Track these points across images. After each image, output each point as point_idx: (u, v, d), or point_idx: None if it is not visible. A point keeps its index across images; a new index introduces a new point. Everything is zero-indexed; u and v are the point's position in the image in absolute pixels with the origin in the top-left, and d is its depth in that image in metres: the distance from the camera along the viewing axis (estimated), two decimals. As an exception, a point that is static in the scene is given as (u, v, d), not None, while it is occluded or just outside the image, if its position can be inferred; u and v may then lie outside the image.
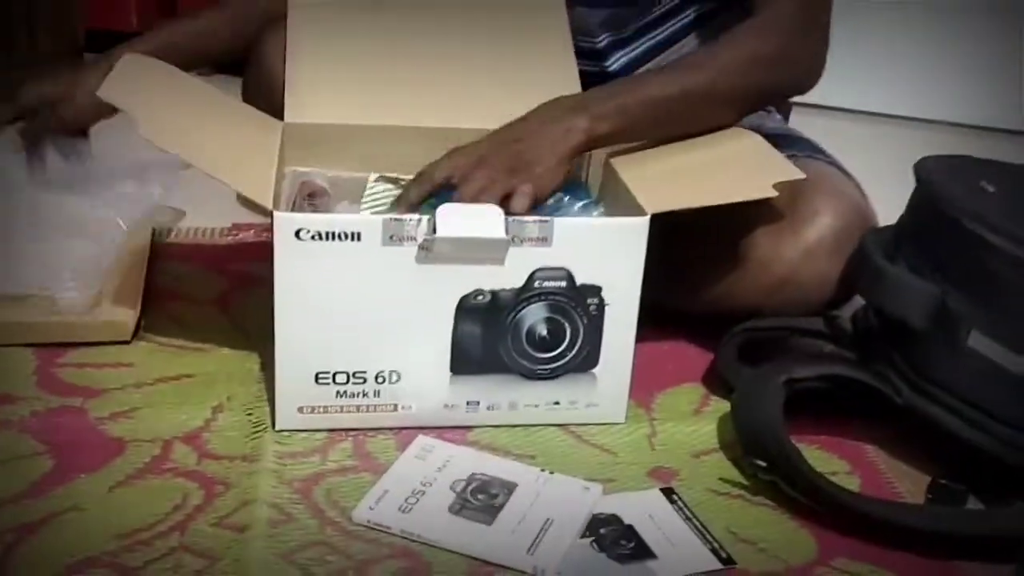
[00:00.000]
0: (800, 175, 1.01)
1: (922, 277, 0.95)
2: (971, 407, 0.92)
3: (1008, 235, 0.88)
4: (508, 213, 0.94)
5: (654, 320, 1.02)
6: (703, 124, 1.08)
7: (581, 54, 1.18)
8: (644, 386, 1.07)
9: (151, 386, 1.04)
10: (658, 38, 1.22)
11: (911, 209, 1.02)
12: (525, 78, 1.13)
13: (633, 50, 1.23)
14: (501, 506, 0.90)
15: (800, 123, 1.34)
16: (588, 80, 1.14)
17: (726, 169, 1.04)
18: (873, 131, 2.11)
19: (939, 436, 0.95)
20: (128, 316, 1.11)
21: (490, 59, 1.16)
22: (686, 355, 1.17)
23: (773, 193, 0.98)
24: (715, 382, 1.12)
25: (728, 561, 0.86)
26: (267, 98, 1.16)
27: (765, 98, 1.16)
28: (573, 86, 1.13)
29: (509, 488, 0.92)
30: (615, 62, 1.23)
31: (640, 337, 1.00)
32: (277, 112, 1.11)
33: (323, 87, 1.12)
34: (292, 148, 1.09)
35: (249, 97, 1.27)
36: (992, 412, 0.91)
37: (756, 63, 1.05)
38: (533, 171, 0.98)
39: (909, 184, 1.03)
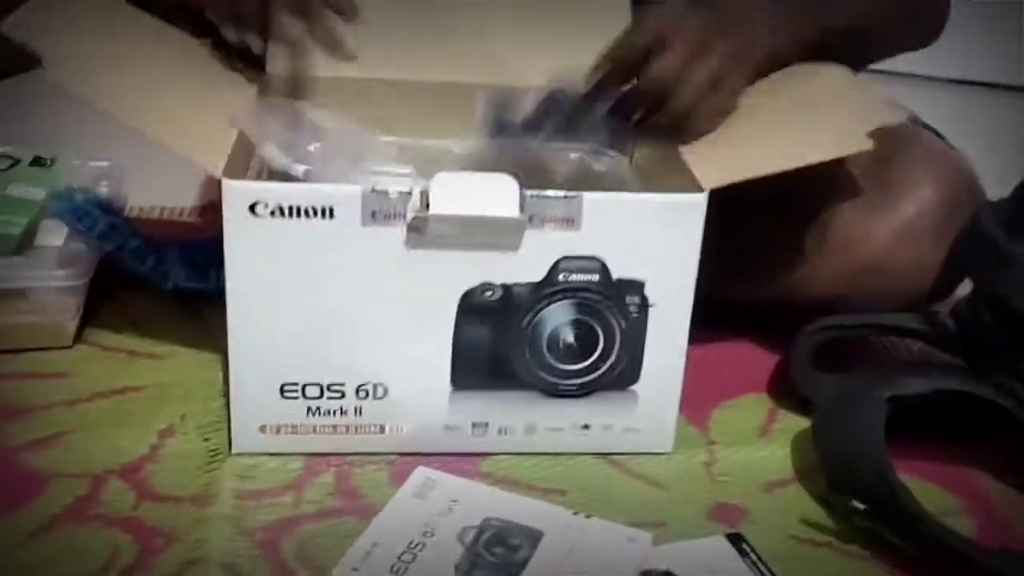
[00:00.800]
0: (905, 113, 0.81)
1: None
2: None
3: None
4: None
5: (704, 315, 0.80)
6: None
7: None
8: (696, 398, 0.86)
9: (87, 403, 0.84)
10: None
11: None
12: (561, 23, 0.92)
13: None
14: (524, 562, 0.69)
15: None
16: None
17: (806, 115, 0.81)
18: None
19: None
20: (69, 316, 0.91)
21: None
22: (746, 358, 0.96)
23: (868, 145, 0.75)
24: (784, 392, 0.90)
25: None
26: None
27: (903, 39, 0.97)
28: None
29: (534, 538, 0.71)
30: None
31: (691, 334, 0.79)
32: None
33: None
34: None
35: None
36: None
37: None
38: (746, 68, 0.82)
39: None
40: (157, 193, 1.02)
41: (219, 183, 0.70)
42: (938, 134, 0.95)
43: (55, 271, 0.91)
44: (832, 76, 0.86)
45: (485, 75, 0.88)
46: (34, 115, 1.47)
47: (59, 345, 0.90)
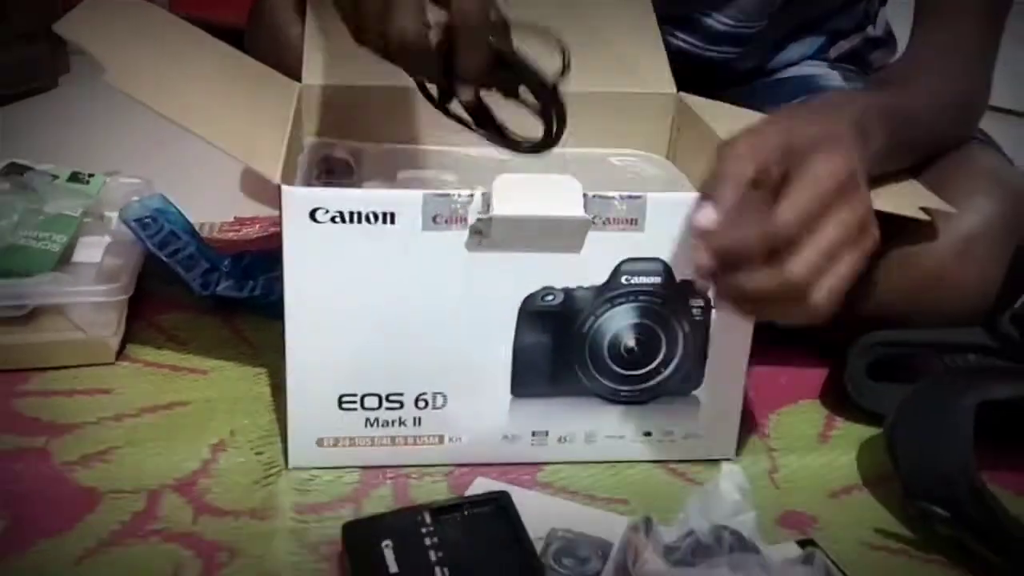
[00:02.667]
0: (949, 208, 0.80)
1: None
2: None
3: None
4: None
5: (760, 326, 0.78)
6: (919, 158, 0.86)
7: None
8: (752, 405, 0.85)
9: (134, 418, 0.82)
10: None
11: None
12: (589, 28, 0.91)
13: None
14: (596, 574, 0.67)
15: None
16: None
17: None
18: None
19: None
20: (111, 332, 0.89)
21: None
22: (801, 368, 0.94)
23: (923, 216, 0.77)
24: (840, 400, 0.89)
25: (908, 650, 0.64)
26: (276, 55, 0.94)
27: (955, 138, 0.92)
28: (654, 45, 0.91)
29: (603, 549, 0.69)
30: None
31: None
32: (289, 72, 0.89)
33: (349, 42, 0.89)
34: (310, 115, 0.87)
35: (255, 53, 1.07)
36: None
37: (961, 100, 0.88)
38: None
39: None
40: (185, 208, 1.02)
41: (279, 188, 0.69)
42: (997, 148, 0.94)
43: (96, 287, 0.89)
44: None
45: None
46: (55, 134, 1.46)
47: (101, 361, 0.88)
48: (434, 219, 0.70)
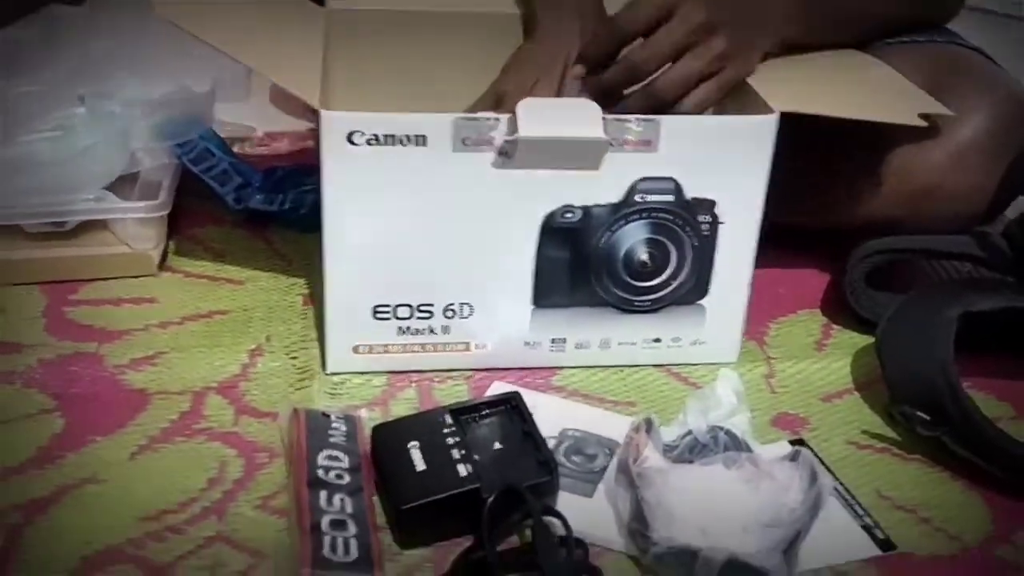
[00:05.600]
0: (945, 111, 0.84)
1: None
2: None
3: None
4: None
5: (764, 237, 0.84)
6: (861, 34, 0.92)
7: None
8: (754, 315, 0.89)
9: (178, 325, 0.89)
10: None
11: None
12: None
13: None
14: (602, 470, 0.74)
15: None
16: None
17: (863, 88, 0.85)
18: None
19: None
20: (152, 245, 0.95)
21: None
22: (800, 277, 0.99)
23: (920, 122, 0.80)
24: (838, 310, 0.94)
25: (888, 545, 0.70)
26: None
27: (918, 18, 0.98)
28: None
29: (610, 447, 0.76)
30: None
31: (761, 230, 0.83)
32: None
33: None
34: (338, 39, 0.91)
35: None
36: None
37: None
38: (741, 61, 0.82)
39: None
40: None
41: (317, 113, 0.73)
42: (993, 61, 0.97)
43: (137, 203, 0.94)
44: (886, 71, 0.89)
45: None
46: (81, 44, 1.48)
47: (145, 273, 0.94)
48: (464, 141, 0.75)
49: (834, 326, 0.94)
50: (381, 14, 0.94)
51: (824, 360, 0.89)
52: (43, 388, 0.80)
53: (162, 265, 0.96)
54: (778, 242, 0.96)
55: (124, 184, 0.97)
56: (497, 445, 0.72)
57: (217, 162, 1.04)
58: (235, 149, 1.11)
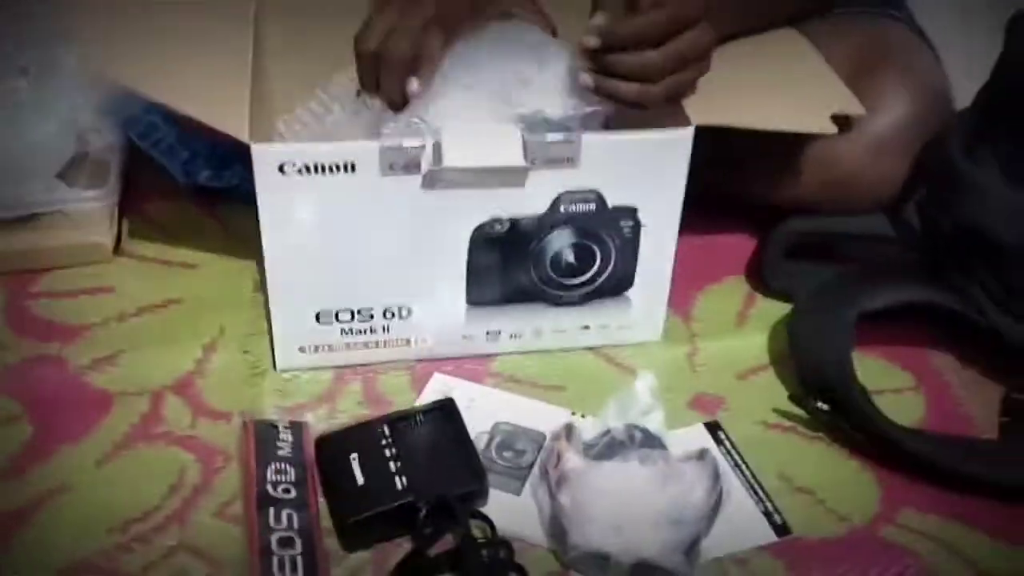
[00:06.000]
0: (860, 111, 0.87)
1: (1014, 181, 0.82)
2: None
3: None
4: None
5: (697, 204, 0.88)
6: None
7: None
8: (682, 285, 0.95)
9: (135, 318, 0.94)
10: None
11: (1001, 90, 0.86)
12: None
13: None
14: (530, 465, 0.81)
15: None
16: None
17: (780, 89, 0.88)
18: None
19: None
20: (105, 230, 0.99)
21: None
22: (729, 243, 1.04)
23: (832, 129, 0.84)
24: (760, 277, 1.00)
25: (784, 530, 0.78)
26: None
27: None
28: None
29: (538, 442, 0.83)
30: None
31: (680, 225, 0.88)
32: None
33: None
34: (270, 24, 0.92)
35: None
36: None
37: None
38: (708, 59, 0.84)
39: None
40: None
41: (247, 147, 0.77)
42: (921, 34, 1.00)
43: (88, 192, 0.98)
44: (807, 61, 0.92)
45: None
46: None
47: (100, 260, 0.98)
48: (391, 166, 0.79)
49: (756, 295, 1.00)
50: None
51: (745, 334, 0.95)
52: (10, 394, 0.86)
53: (116, 249, 1.00)
54: (710, 206, 1.02)
55: (72, 167, 1.01)
56: (432, 454, 0.79)
57: (163, 136, 1.06)
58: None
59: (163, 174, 1.06)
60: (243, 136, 0.77)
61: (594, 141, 0.81)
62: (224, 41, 0.87)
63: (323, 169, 0.78)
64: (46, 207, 0.97)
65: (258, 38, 0.89)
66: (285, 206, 0.80)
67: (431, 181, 0.80)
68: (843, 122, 0.86)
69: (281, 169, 0.78)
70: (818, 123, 0.85)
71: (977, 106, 0.89)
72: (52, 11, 1.07)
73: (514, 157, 0.79)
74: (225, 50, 0.86)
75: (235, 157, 1.06)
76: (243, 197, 1.03)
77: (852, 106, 0.87)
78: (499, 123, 0.79)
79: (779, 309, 0.97)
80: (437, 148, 0.78)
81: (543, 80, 0.81)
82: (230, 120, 0.78)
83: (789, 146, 0.94)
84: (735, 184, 1.00)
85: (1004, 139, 0.84)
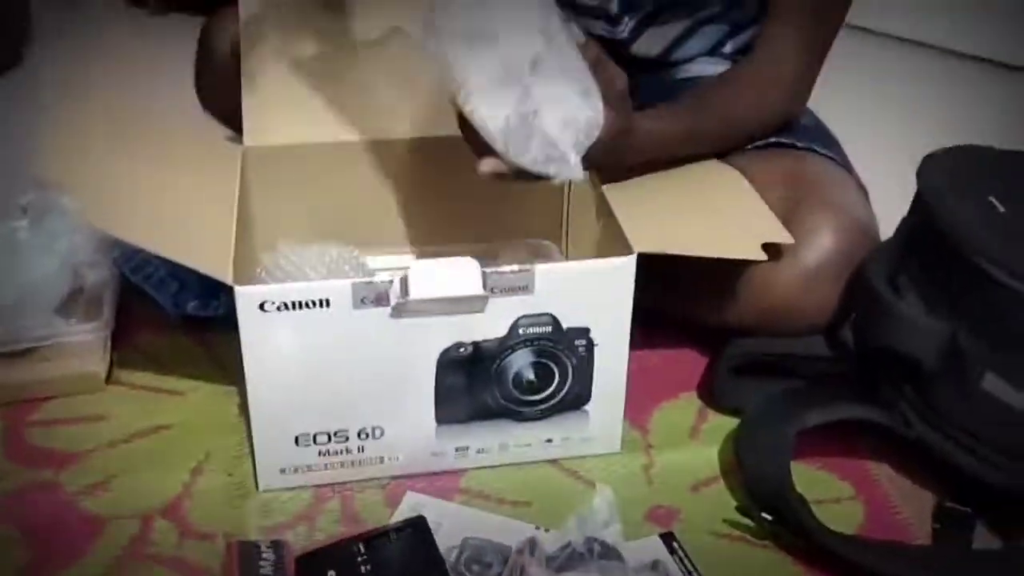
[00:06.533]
0: (789, 240, 0.95)
1: (931, 310, 0.89)
2: (987, 446, 0.87)
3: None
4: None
5: (651, 323, 0.97)
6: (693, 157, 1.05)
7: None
8: (639, 400, 1.02)
9: (126, 444, 1.00)
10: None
11: (917, 227, 0.94)
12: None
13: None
14: (496, 577, 0.87)
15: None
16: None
17: (715, 218, 0.97)
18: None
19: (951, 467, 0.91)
20: (99, 360, 1.06)
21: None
22: (683, 361, 1.12)
23: (762, 257, 0.93)
24: (711, 395, 1.07)
25: (731, 640, 0.84)
26: (222, 95, 1.10)
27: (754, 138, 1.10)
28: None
29: (504, 554, 0.88)
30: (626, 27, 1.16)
31: (636, 341, 0.95)
32: (232, 106, 1.05)
33: (282, 106, 1.04)
34: (255, 174, 1.01)
35: (203, 88, 1.21)
36: (1011, 452, 0.86)
37: (761, 117, 1.07)
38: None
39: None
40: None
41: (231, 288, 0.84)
42: (850, 170, 1.09)
43: (83, 325, 1.05)
44: (738, 191, 1.01)
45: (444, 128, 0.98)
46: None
47: (93, 390, 1.05)
48: (362, 300, 0.86)
49: (709, 410, 1.06)
50: (296, 148, 1.04)
51: (697, 449, 1.02)
52: (9, 521, 0.91)
53: (109, 378, 1.07)
54: (665, 327, 1.09)
55: (69, 301, 1.08)
56: (404, 570, 0.85)
57: (155, 270, 1.14)
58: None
59: (153, 305, 1.13)
60: (227, 278, 0.85)
61: (546, 271, 0.89)
62: (211, 190, 0.95)
63: (300, 305, 0.85)
64: (43, 341, 1.04)
65: (244, 187, 0.98)
66: (266, 340, 0.87)
67: (399, 311, 0.87)
68: (773, 251, 0.95)
69: (262, 307, 0.85)
70: (750, 251, 0.93)
71: (897, 239, 0.97)
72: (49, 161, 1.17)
73: (474, 287, 0.87)
74: (211, 199, 0.94)
75: (221, 288, 1.13)
76: (229, 325, 1.11)
77: (781, 235, 0.95)
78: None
79: (730, 423, 1.04)
80: (404, 282, 0.86)
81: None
82: (215, 264, 0.85)
83: (728, 276, 1.02)
84: (685, 310, 1.08)
85: (920, 270, 0.92)
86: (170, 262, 1.13)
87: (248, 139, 1.03)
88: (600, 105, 0.86)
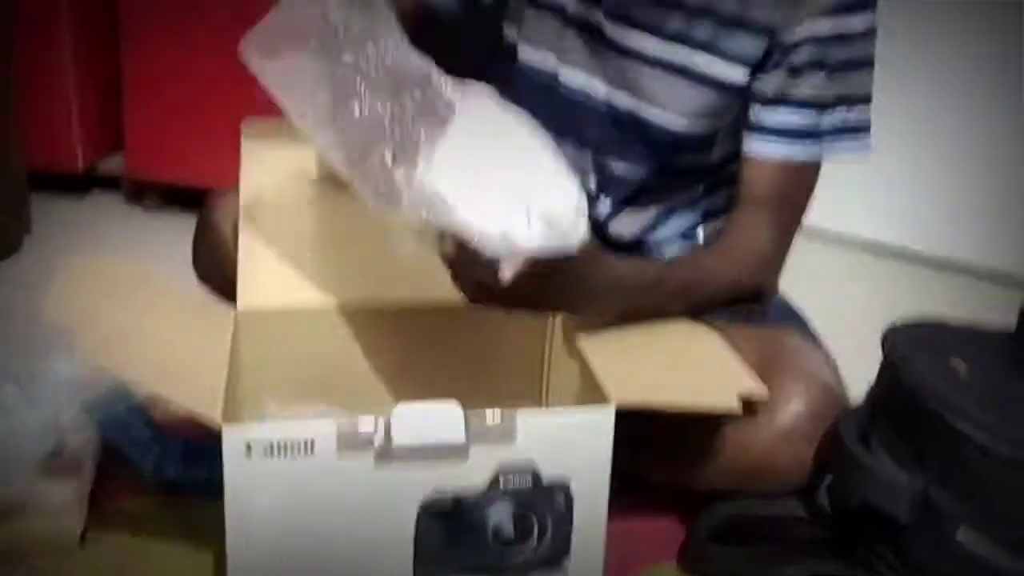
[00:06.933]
0: (764, 393, 0.98)
1: (902, 465, 0.92)
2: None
3: (990, 431, 0.85)
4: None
5: (631, 488, 0.98)
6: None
7: None
8: (618, 569, 1.02)
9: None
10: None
11: (884, 389, 0.98)
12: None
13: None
14: None
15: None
16: None
17: (691, 371, 1.01)
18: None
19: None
20: (74, 518, 1.05)
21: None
22: (662, 528, 1.12)
23: (737, 409, 0.96)
24: (691, 562, 1.07)
25: None
26: (219, 269, 1.15)
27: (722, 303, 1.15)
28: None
29: None
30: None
31: (616, 507, 0.95)
32: (227, 279, 1.08)
33: (277, 271, 1.09)
34: (247, 338, 1.04)
35: (200, 264, 1.25)
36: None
37: (728, 296, 1.10)
38: None
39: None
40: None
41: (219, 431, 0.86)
42: (817, 343, 1.14)
43: (61, 484, 1.05)
44: (713, 346, 1.05)
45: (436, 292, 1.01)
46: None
47: (67, 548, 1.03)
48: (346, 444, 0.88)
49: (686, 578, 1.06)
50: (288, 313, 1.08)
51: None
52: None
53: (84, 537, 1.05)
54: (645, 494, 1.10)
55: (50, 461, 1.08)
56: None
57: (138, 434, 1.15)
58: (159, 413, 1.22)
59: (133, 468, 1.13)
60: (215, 419, 0.86)
61: (528, 418, 0.91)
62: (205, 345, 0.98)
63: (285, 448, 0.87)
64: (20, 498, 1.03)
65: (235, 345, 1.01)
66: (250, 494, 0.88)
67: (382, 457, 0.88)
68: (748, 409, 0.98)
69: (248, 450, 0.86)
70: (727, 402, 0.96)
71: (866, 402, 1.01)
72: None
73: (456, 435, 0.89)
74: (205, 351, 0.97)
75: (203, 453, 1.14)
76: (208, 491, 1.11)
77: (757, 388, 0.98)
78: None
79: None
80: (387, 427, 0.88)
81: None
82: (203, 402, 0.87)
83: (705, 436, 1.04)
84: (664, 473, 1.10)
85: (889, 428, 0.95)
86: (153, 429, 1.16)
87: (241, 302, 1.07)
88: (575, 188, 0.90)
